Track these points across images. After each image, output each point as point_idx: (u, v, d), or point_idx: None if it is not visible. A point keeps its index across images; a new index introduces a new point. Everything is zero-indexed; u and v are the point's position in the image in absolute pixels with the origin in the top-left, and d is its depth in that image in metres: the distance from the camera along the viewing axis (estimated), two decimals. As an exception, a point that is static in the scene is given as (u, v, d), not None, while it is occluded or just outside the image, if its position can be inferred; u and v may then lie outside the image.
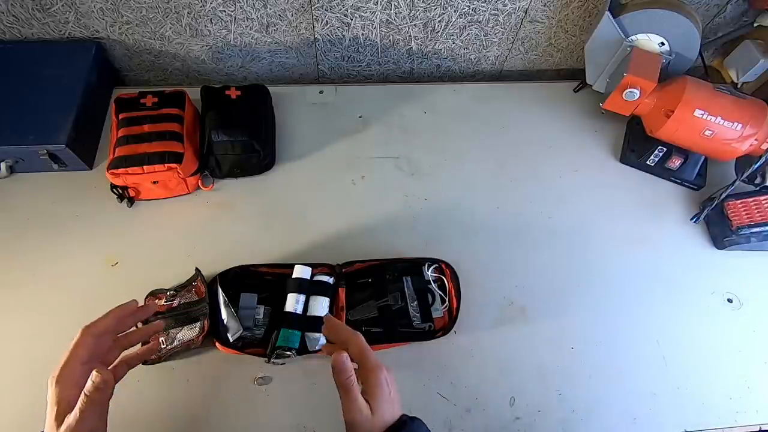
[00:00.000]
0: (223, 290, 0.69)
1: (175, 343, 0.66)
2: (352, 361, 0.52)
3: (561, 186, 0.88)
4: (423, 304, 0.73)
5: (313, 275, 0.71)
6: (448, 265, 0.75)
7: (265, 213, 0.82)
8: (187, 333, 0.67)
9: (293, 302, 0.68)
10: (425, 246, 0.80)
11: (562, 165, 0.91)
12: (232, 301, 0.69)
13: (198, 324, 0.67)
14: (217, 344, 0.67)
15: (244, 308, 0.70)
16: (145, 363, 0.67)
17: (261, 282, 0.73)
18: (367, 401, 0.49)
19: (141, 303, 0.70)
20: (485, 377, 0.71)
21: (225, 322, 0.67)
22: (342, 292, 0.71)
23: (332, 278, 0.71)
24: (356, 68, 1.01)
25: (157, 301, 0.70)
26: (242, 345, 0.68)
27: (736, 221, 0.80)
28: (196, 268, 0.73)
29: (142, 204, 0.81)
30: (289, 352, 0.66)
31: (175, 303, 0.70)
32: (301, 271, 0.70)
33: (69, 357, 0.50)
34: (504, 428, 0.68)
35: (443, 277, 0.75)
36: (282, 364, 0.68)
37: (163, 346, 0.67)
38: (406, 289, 0.73)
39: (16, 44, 0.86)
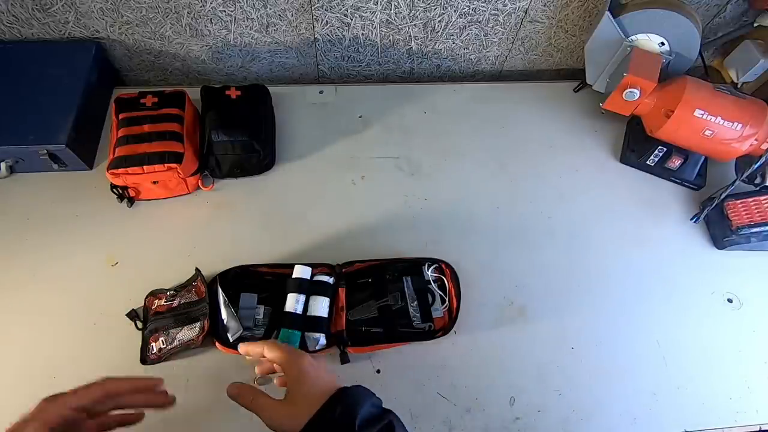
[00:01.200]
0: (223, 290, 0.69)
1: (175, 343, 0.66)
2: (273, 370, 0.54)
3: (561, 186, 0.88)
4: (423, 304, 0.73)
5: (313, 275, 0.71)
6: (448, 265, 0.75)
7: (265, 213, 0.82)
8: (187, 333, 0.67)
9: (293, 302, 0.68)
10: (425, 246, 0.80)
11: (562, 165, 0.91)
12: (232, 301, 0.70)
13: (198, 324, 0.67)
14: (217, 344, 0.67)
15: (244, 308, 0.70)
16: (144, 363, 0.67)
17: (261, 282, 0.73)
18: (287, 398, 0.49)
19: (141, 303, 0.71)
20: (485, 377, 0.71)
21: (225, 322, 0.67)
22: (342, 292, 0.71)
23: (332, 278, 0.71)
24: (356, 68, 1.01)
25: (156, 301, 0.70)
26: (243, 345, 0.68)
27: (736, 221, 0.80)
28: (196, 268, 0.73)
29: (142, 204, 0.81)
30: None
31: (175, 303, 0.70)
32: (301, 271, 0.70)
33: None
34: (504, 428, 0.68)
35: (443, 277, 0.75)
36: (282, 364, 0.68)
37: (163, 346, 0.67)
38: (406, 289, 0.73)
39: (16, 44, 0.86)
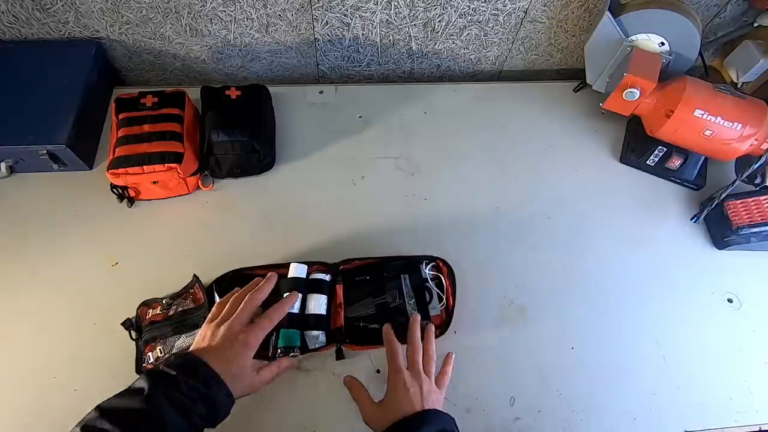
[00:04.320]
0: (220, 295, 0.69)
1: (174, 351, 0.66)
2: None
3: (561, 186, 0.88)
4: (420, 301, 0.73)
5: (309, 273, 0.71)
6: (445, 262, 0.75)
7: (265, 213, 0.82)
8: (185, 341, 0.66)
9: (290, 302, 0.68)
10: (425, 246, 0.80)
11: (562, 165, 0.91)
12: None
13: (198, 330, 0.66)
14: None
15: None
16: (139, 373, 0.66)
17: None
18: (382, 402, 0.59)
19: (142, 302, 0.71)
20: (485, 377, 0.71)
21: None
22: (340, 289, 0.71)
23: (329, 276, 0.71)
24: (356, 68, 1.01)
25: (150, 310, 0.70)
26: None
27: (736, 221, 0.80)
28: (194, 275, 0.72)
29: (142, 204, 0.81)
30: (293, 352, 0.65)
31: (172, 312, 0.69)
32: (296, 270, 0.70)
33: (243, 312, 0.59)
34: (504, 428, 0.68)
35: (440, 275, 0.75)
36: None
37: (160, 355, 0.66)
38: (403, 286, 0.73)
39: (16, 44, 0.86)
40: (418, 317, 0.67)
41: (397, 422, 0.55)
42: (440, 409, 0.58)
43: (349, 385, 0.62)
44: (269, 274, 0.65)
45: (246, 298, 0.61)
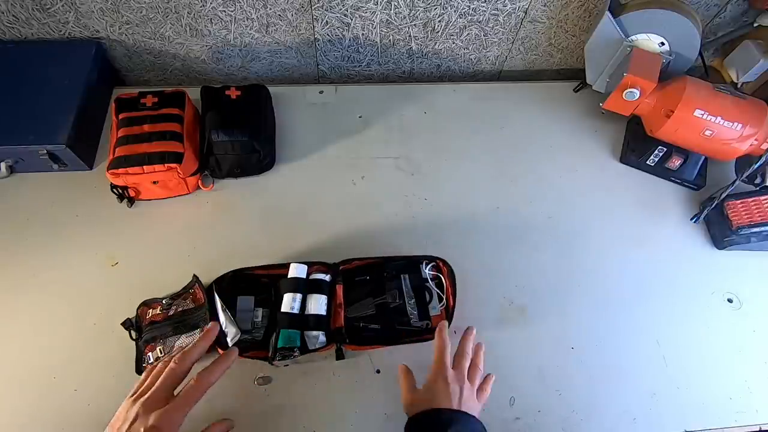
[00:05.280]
0: (219, 295, 0.69)
1: (174, 351, 0.66)
2: None
3: (561, 186, 0.88)
4: (420, 301, 0.73)
5: (309, 274, 0.71)
6: (445, 262, 0.75)
7: (265, 213, 0.82)
8: (185, 341, 0.66)
9: (289, 302, 0.68)
10: (425, 246, 0.80)
11: (562, 165, 0.91)
12: (230, 305, 0.69)
13: (197, 331, 0.67)
14: (219, 350, 0.66)
15: (242, 311, 0.70)
16: (139, 373, 0.66)
17: (258, 284, 0.73)
18: (420, 390, 0.59)
19: (141, 302, 0.71)
20: (485, 377, 0.71)
21: (223, 327, 0.67)
22: (340, 289, 0.71)
23: (329, 276, 0.71)
24: (356, 68, 1.01)
25: (150, 310, 0.70)
26: (243, 349, 0.67)
27: (736, 221, 0.80)
28: (194, 275, 0.72)
29: (142, 204, 0.81)
30: (293, 352, 0.65)
31: (172, 312, 0.69)
32: (296, 270, 0.70)
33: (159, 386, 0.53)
34: (504, 428, 0.68)
35: (440, 275, 0.75)
36: (286, 365, 0.68)
37: (160, 355, 0.66)
38: (403, 286, 0.73)
39: (16, 44, 0.86)
40: (473, 330, 0.65)
41: (430, 411, 0.54)
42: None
43: (400, 371, 0.62)
44: (210, 324, 0.60)
45: (170, 365, 0.53)
